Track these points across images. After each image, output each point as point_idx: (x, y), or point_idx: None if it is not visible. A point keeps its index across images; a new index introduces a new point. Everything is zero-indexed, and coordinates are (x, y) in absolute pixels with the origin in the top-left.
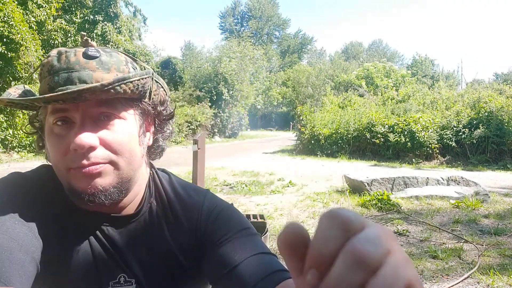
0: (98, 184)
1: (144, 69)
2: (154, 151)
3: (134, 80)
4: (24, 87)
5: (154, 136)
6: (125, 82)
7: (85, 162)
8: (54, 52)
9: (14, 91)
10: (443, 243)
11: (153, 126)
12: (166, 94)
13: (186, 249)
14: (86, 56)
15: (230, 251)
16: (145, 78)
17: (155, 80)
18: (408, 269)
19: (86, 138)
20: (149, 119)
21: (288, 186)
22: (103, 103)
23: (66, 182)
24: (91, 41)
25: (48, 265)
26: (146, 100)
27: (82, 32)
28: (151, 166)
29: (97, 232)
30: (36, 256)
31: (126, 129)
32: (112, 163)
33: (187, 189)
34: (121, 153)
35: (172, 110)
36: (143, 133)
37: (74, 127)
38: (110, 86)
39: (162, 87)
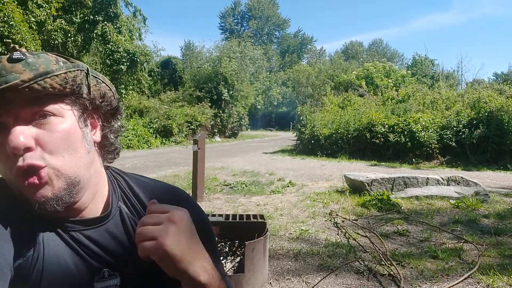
0: (46, 192)
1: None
2: (107, 149)
3: (60, 74)
4: None
5: (102, 131)
6: (49, 76)
7: (22, 164)
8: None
9: None
10: (443, 243)
11: (100, 122)
12: (110, 89)
13: None
14: (11, 60)
15: None
16: (73, 71)
17: (92, 75)
18: (162, 232)
19: (18, 138)
20: (92, 115)
21: (288, 186)
22: (34, 102)
23: (17, 191)
24: (20, 47)
25: (19, 272)
26: (83, 95)
27: (13, 45)
28: (106, 168)
29: (67, 236)
30: (9, 260)
31: (62, 126)
32: (51, 166)
33: (156, 189)
34: (59, 152)
35: (116, 104)
36: (84, 128)
37: (7, 128)
38: (32, 82)
39: (104, 82)
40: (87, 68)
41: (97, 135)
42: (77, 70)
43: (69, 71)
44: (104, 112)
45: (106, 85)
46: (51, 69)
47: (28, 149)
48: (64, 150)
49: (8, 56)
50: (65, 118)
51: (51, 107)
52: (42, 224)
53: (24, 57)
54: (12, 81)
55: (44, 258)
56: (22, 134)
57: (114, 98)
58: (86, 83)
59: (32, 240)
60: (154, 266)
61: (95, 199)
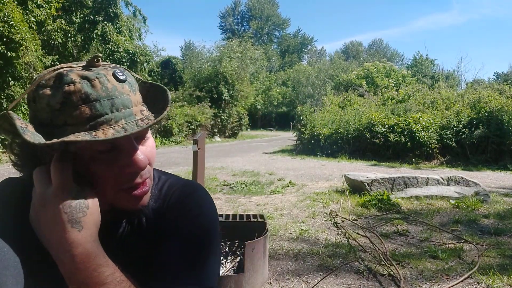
0: (144, 201)
1: (137, 79)
2: None
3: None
4: (20, 118)
5: None
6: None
7: (139, 180)
8: (75, 77)
9: (25, 126)
10: (443, 243)
11: None
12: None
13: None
14: (119, 80)
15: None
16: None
17: None
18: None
19: (144, 159)
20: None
21: (288, 186)
22: None
23: (107, 203)
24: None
25: (29, 277)
26: None
27: (99, 54)
28: None
29: None
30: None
31: (153, 143)
32: (150, 176)
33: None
34: (153, 165)
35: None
36: None
37: (121, 150)
38: (166, 112)
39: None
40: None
41: None
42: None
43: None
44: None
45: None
46: (137, 89)
47: (146, 167)
48: (154, 163)
49: (112, 73)
50: (151, 135)
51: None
52: None
53: (126, 78)
54: (127, 103)
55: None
56: (144, 154)
57: None
58: None
59: (42, 247)
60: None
61: None
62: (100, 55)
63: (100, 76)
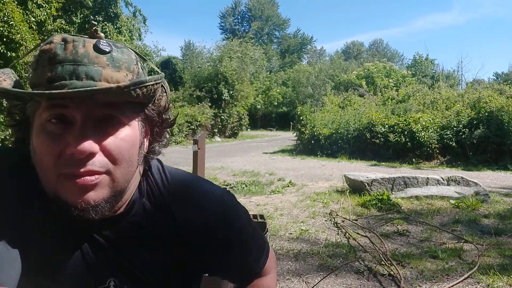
0: (90, 199)
1: (153, 70)
2: (146, 159)
3: (149, 85)
4: (12, 73)
5: (150, 144)
6: (140, 86)
7: (81, 169)
8: (57, 38)
9: (1, 77)
10: (443, 243)
11: (149, 134)
12: (168, 99)
13: (183, 248)
14: (97, 49)
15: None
16: (159, 83)
17: (163, 86)
18: None
19: (88, 143)
20: (148, 125)
21: (288, 186)
22: (109, 104)
23: (52, 189)
24: (100, 32)
25: (28, 265)
26: (151, 105)
27: (93, 21)
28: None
29: (83, 233)
30: (20, 252)
31: (129, 136)
32: (108, 173)
33: (187, 188)
34: (120, 162)
35: (173, 118)
36: (143, 142)
37: (72, 127)
38: (127, 90)
39: (166, 92)
40: (164, 76)
41: (146, 147)
42: (160, 81)
43: (157, 83)
44: (163, 126)
45: (167, 95)
46: (134, 72)
47: (91, 155)
48: (125, 161)
49: (94, 42)
50: (131, 126)
51: (124, 114)
52: (55, 219)
53: (110, 49)
54: (93, 74)
55: (56, 257)
56: (90, 139)
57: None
58: (159, 94)
59: (43, 235)
60: (175, 269)
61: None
62: (95, 23)
63: (78, 41)
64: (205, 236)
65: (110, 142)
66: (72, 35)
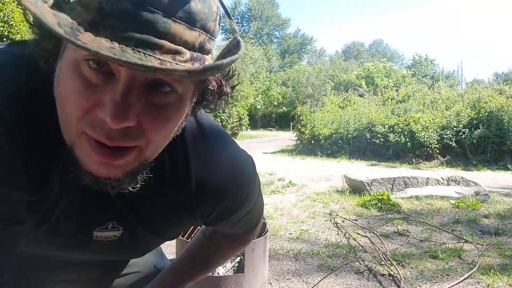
0: (111, 173)
1: (235, 31)
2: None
3: (224, 65)
4: None
5: (193, 109)
6: (217, 70)
7: (110, 143)
8: None
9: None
10: (443, 243)
11: (198, 98)
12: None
13: (190, 204)
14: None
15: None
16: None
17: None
18: None
19: (128, 115)
20: (200, 92)
21: (288, 186)
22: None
23: (70, 145)
24: None
25: (30, 205)
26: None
27: None
28: None
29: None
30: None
31: (178, 109)
32: (140, 148)
33: (215, 149)
34: (160, 140)
35: (233, 86)
36: (190, 109)
37: (113, 82)
38: (197, 76)
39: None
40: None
41: (190, 111)
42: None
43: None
44: (214, 94)
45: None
46: (211, 31)
47: (127, 128)
48: (164, 137)
49: None
50: (182, 99)
51: (178, 80)
52: (61, 162)
53: (198, 4)
54: (161, 29)
55: (59, 200)
56: (133, 108)
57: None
58: None
59: (47, 177)
60: (168, 225)
61: None
62: None
63: None
64: (214, 198)
65: (155, 115)
66: None
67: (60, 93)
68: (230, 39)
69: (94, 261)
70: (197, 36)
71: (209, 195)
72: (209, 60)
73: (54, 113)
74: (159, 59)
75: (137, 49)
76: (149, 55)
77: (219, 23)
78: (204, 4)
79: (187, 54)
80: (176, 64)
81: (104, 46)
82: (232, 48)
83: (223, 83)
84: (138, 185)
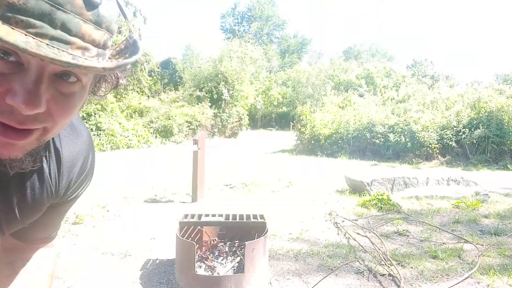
0: (12, 154)
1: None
2: None
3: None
4: None
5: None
6: (124, 67)
7: (19, 126)
8: None
9: None
10: (443, 243)
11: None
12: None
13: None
14: (86, 1)
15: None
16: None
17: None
18: None
19: (40, 104)
20: (97, 82)
21: (288, 186)
22: None
23: None
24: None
25: None
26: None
27: None
28: None
29: None
30: None
31: (81, 96)
32: (44, 129)
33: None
34: (62, 122)
35: (124, 77)
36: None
37: (22, 72)
38: (109, 72)
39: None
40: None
41: None
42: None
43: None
44: (109, 83)
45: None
46: (113, 31)
47: (37, 113)
48: (66, 121)
49: None
50: (85, 86)
51: (83, 74)
52: None
53: (99, 3)
54: (71, 27)
55: None
56: (43, 96)
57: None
58: None
59: None
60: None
61: None
62: None
63: None
64: (80, 170)
65: (63, 103)
66: None
67: None
68: (126, 37)
69: None
70: (102, 35)
71: (76, 165)
72: (107, 54)
73: None
74: (71, 54)
75: (51, 44)
76: (62, 50)
77: (117, 28)
78: (109, 8)
79: (94, 50)
80: (86, 59)
81: (19, 40)
82: (129, 46)
83: (120, 75)
84: (38, 164)
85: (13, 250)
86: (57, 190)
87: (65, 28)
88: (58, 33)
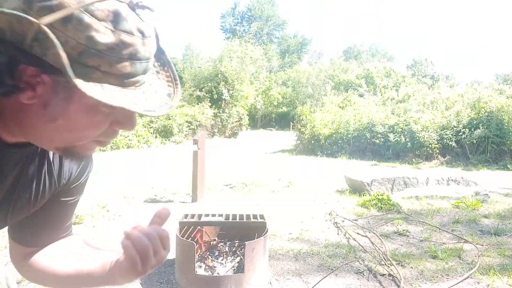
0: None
1: None
2: None
3: None
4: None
5: None
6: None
7: (109, 141)
8: (132, 26)
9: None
10: (443, 243)
11: None
12: None
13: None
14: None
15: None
16: None
17: None
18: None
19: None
20: None
21: (288, 186)
22: None
23: (69, 146)
24: None
25: None
26: None
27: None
28: None
29: None
30: None
31: None
32: None
33: None
34: None
35: None
36: None
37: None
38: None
39: None
40: None
41: None
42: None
43: None
44: None
45: None
46: None
47: None
48: None
49: (155, 34)
50: None
51: None
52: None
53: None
54: (148, 69)
55: None
56: None
57: None
58: None
59: None
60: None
61: None
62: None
63: (150, 35)
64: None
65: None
66: (136, 17)
67: (73, 125)
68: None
69: None
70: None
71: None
72: None
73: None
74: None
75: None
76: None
77: None
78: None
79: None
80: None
81: (127, 84)
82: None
83: None
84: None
85: (32, 254)
86: (59, 175)
87: (146, 71)
88: (144, 78)
